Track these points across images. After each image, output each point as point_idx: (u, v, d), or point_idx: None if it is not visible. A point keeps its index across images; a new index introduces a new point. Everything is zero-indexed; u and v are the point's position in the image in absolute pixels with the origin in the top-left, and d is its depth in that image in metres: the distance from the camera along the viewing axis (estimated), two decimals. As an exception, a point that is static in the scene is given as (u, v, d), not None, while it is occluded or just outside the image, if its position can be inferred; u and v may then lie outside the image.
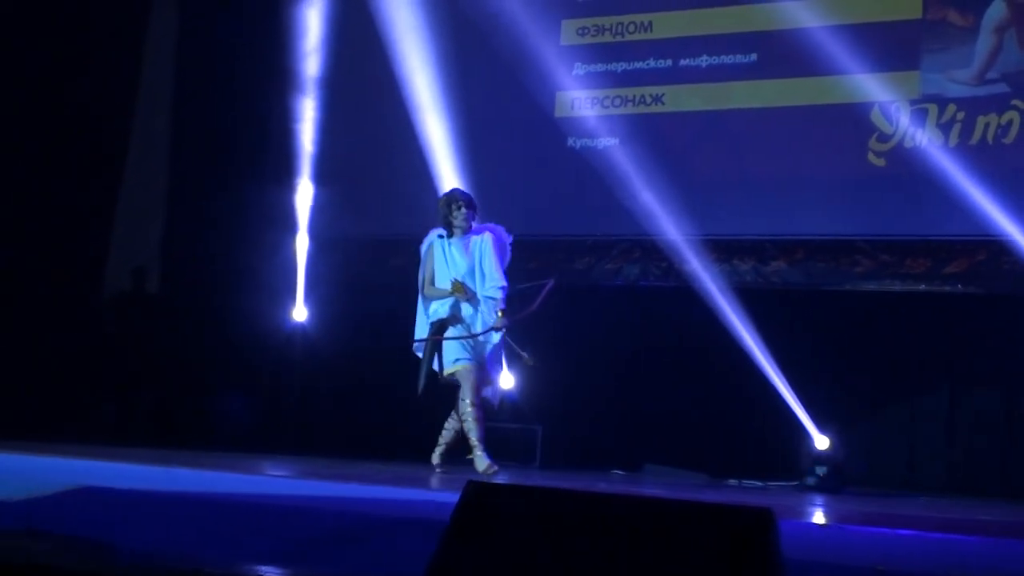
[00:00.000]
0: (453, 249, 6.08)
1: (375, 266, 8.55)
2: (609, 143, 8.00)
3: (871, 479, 7.30)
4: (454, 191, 6.31)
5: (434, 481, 5.75)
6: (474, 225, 6.16)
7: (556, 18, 8.29)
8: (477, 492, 2.34)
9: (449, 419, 6.25)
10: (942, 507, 6.07)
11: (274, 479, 5.44)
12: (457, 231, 6.10)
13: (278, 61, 8.66)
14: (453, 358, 6.04)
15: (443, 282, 6.09)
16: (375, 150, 8.47)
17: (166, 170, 9.26)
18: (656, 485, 6.37)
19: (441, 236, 6.14)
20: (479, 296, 6.08)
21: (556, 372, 8.26)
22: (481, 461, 5.97)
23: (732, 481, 7.33)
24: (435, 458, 6.24)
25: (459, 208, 6.08)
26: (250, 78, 8.79)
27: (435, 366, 6.13)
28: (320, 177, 8.72)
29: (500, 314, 6.04)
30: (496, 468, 5.99)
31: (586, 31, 8.30)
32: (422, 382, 6.12)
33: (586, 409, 8.27)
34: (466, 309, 6.09)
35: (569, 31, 8.33)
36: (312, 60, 8.61)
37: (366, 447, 7.81)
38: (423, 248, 6.23)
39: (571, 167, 8.10)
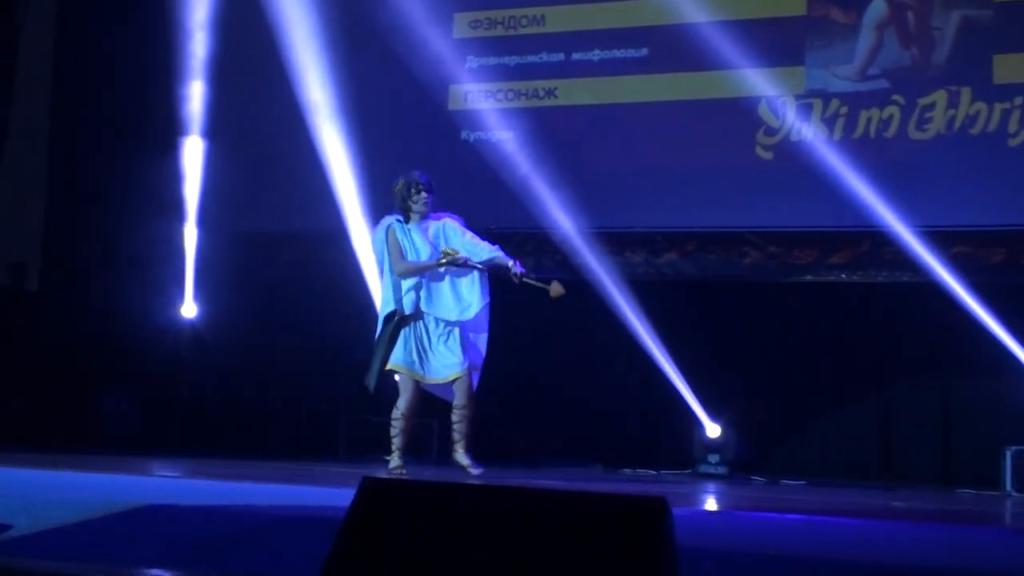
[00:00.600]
0: (414, 234, 5.79)
1: (267, 262, 8.43)
2: (503, 136, 8.02)
3: (761, 466, 7.47)
4: (412, 174, 5.93)
5: (330, 478, 5.69)
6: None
7: (449, 11, 8.26)
8: (373, 488, 2.32)
9: (452, 414, 5.95)
10: (827, 492, 6.24)
11: (164, 480, 5.32)
12: (415, 216, 5.83)
13: (165, 53, 8.45)
14: (451, 362, 5.77)
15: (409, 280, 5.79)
16: (266, 143, 8.33)
17: (46, 161, 8.95)
18: (552, 476, 6.41)
19: (399, 221, 5.84)
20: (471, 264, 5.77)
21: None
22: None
23: (627, 470, 7.43)
24: (463, 458, 5.92)
25: (419, 192, 5.81)
26: (135, 71, 8.56)
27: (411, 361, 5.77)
28: (210, 170, 8.54)
29: (517, 277, 5.78)
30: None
31: (479, 24, 8.30)
32: (375, 378, 5.83)
33: (480, 401, 8.28)
34: (442, 299, 5.76)
35: (462, 24, 8.32)
36: (199, 49, 8.41)
37: (260, 446, 7.71)
38: (379, 234, 5.87)
39: (465, 160, 8.09)
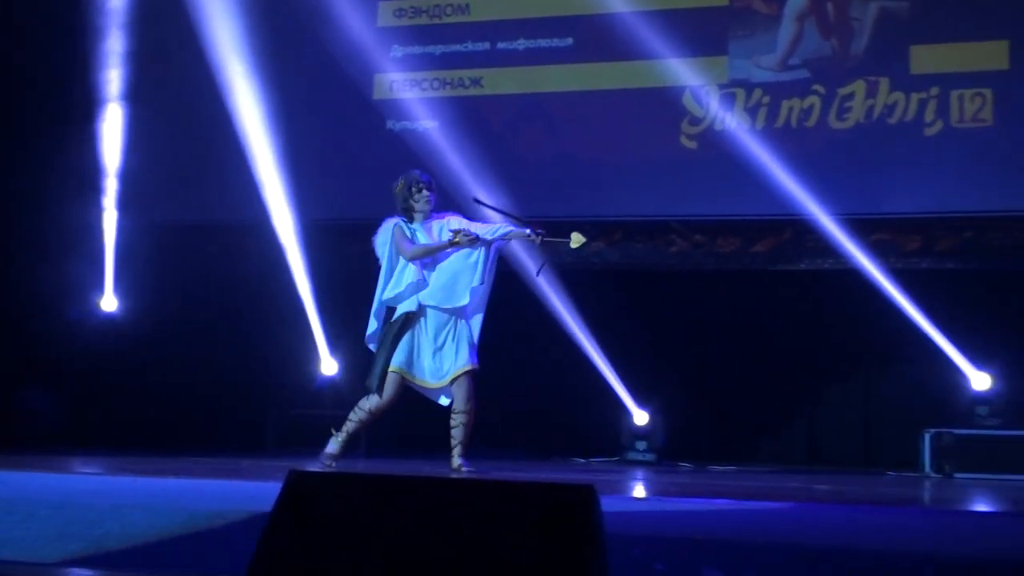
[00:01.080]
0: (419, 234, 5.62)
1: (190, 252, 8.30)
2: (429, 126, 7.99)
3: (688, 453, 7.54)
4: (412, 173, 5.76)
5: (256, 472, 5.62)
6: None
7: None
8: (300, 481, 2.29)
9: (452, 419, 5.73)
10: (753, 477, 6.32)
11: (84, 477, 5.21)
12: (419, 216, 5.65)
13: (83, 40, 8.25)
14: (449, 365, 5.58)
15: (411, 269, 5.58)
16: (187, 133, 8.19)
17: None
18: (481, 467, 6.40)
19: (404, 221, 5.65)
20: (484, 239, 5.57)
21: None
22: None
23: (555, 459, 7.45)
24: (455, 461, 5.69)
25: (420, 190, 5.63)
26: (51, 62, 8.35)
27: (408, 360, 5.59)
28: (131, 160, 8.36)
29: (537, 238, 5.55)
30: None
31: (403, 13, 8.25)
32: (376, 380, 5.62)
33: (409, 394, 8.25)
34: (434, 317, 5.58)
35: (386, 13, 8.26)
36: (116, 38, 8.23)
37: (185, 441, 7.59)
38: (383, 234, 5.68)
39: (391, 150, 8.04)
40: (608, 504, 2.29)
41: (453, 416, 5.66)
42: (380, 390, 5.62)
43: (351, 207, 8.08)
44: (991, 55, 7.22)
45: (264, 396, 8.13)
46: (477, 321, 5.69)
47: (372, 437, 7.95)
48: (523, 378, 7.81)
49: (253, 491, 4.13)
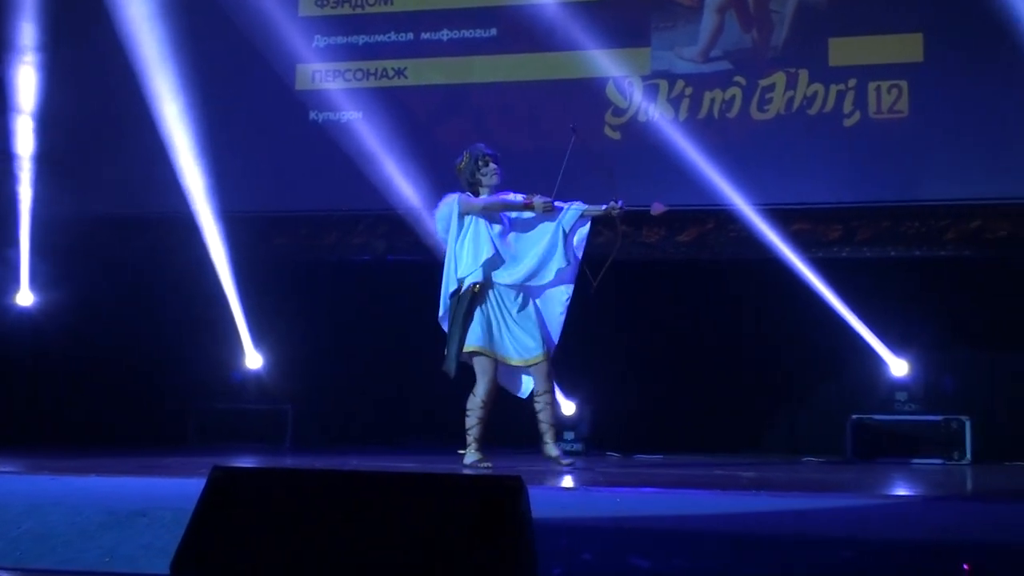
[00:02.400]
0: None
1: (109, 246, 8.13)
2: (352, 116, 7.92)
3: (615, 442, 7.59)
4: (477, 146, 5.59)
5: (179, 468, 5.53)
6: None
7: (294, -12, 8.11)
8: (223, 477, 2.26)
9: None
10: (679, 465, 6.39)
11: (1, 476, 5.08)
12: (485, 191, 5.47)
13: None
14: (529, 345, 5.39)
15: (484, 245, 5.39)
16: (103, 123, 8.01)
17: None
18: (412, 460, 6.38)
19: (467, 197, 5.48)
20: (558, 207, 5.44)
21: (305, 350, 8.15)
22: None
23: (484, 450, 7.42)
24: (552, 450, 5.56)
25: (487, 163, 5.48)
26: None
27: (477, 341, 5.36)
28: (45, 152, 8.15)
29: (619, 211, 5.44)
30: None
31: (325, 2, 8.16)
32: (454, 362, 5.41)
33: (338, 386, 8.21)
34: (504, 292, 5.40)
35: (308, 2, 8.17)
36: (29, 27, 8.01)
37: (107, 437, 7.46)
38: (445, 209, 5.51)
39: (314, 141, 7.96)
40: (536, 495, 2.30)
41: (536, 400, 5.50)
42: (478, 374, 5.40)
43: (274, 199, 8.00)
44: (906, 47, 7.37)
45: (187, 391, 8.01)
46: (561, 302, 5.52)
47: (298, 431, 7.89)
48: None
49: (176, 488, 4.07)
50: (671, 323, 7.90)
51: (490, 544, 2.07)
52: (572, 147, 5.67)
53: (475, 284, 5.40)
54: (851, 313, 7.27)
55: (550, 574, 2.67)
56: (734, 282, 7.74)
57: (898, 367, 7.33)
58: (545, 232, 5.56)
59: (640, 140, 7.57)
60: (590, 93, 7.66)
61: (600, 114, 7.69)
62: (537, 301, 5.53)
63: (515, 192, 5.64)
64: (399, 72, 8.01)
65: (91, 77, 8.05)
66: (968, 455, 6.93)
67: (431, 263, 7.57)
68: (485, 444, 5.56)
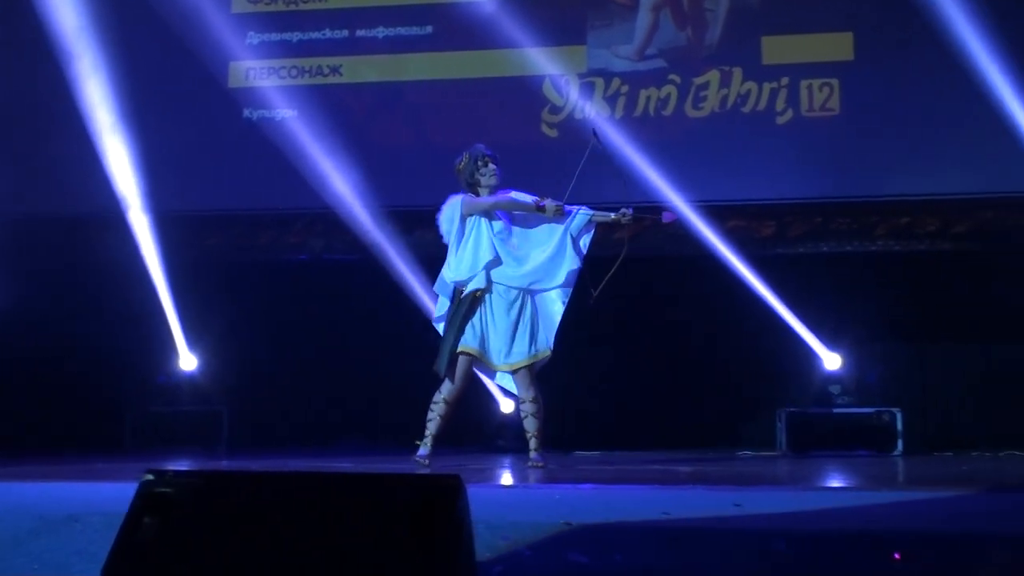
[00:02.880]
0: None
1: (39, 248, 7.98)
2: (287, 114, 7.85)
3: (553, 439, 7.59)
4: (477, 146, 5.59)
5: (111, 472, 5.44)
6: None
7: (227, -16, 8.01)
8: (155, 481, 2.22)
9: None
10: (616, 461, 6.43)
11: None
12: (484, 191, 5.48)
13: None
14: (518, 349, 5.39)
15: (485, 249, 5.39)
16: (28, 121, 7.84)
17: None
18: (349, 460, 6.35)
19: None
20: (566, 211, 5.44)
21: (241, 351, 8.07)
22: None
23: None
24: (531, 454, 5.51)
25: (486, 163, 5.49)
26: None
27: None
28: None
29: (627, 217, 5.43)
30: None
31: (259, -1, 8.07)
32: (444, 362, 5.39)
33: (274, 387, 8.13)
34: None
35: (241, -2, 8.08)
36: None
37: (37, 442, 7.32)
38: (449, 210, 5.49)
39: (248, 139, 7.88)
40: (475, 493, 2.29)
41: (520, 407, 5.50)
42: (449, 374, 5.39)
43: (207, 198, 7.90)
44: (837, 46, 7.48)
45: (121, 393, 7.88)
46: (560, 303, 5.51)
47: (234, 433, 7.81)
48: (389, 370, 7.75)
49: (108, 492, 4.00)
50: (606, 319, 7.93)
51: (428, 543, 2.07)
52: (591, 151, 5.66)
53: (477, 290, 5.41)
54: (785, 308, 7.37)
55: (491, 571, 2.67)
56: (670, 279, 7.80)
57: (831, 361, 7.45)
58: (552, 235, 5.55)
59: (577, 138, 7.57)
60: (526, 91, 7.67)
61: (537, 112, 7.71)
62: (536, 300, 5.54)
63: (514, 190, 5.61)
64: (334, 70, 7.95)
65: (16, 73, 7.88)
66: (899, 446, 7.06)
67: (369, 262, 7.56)
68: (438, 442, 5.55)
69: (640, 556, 2.70)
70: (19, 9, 7.74)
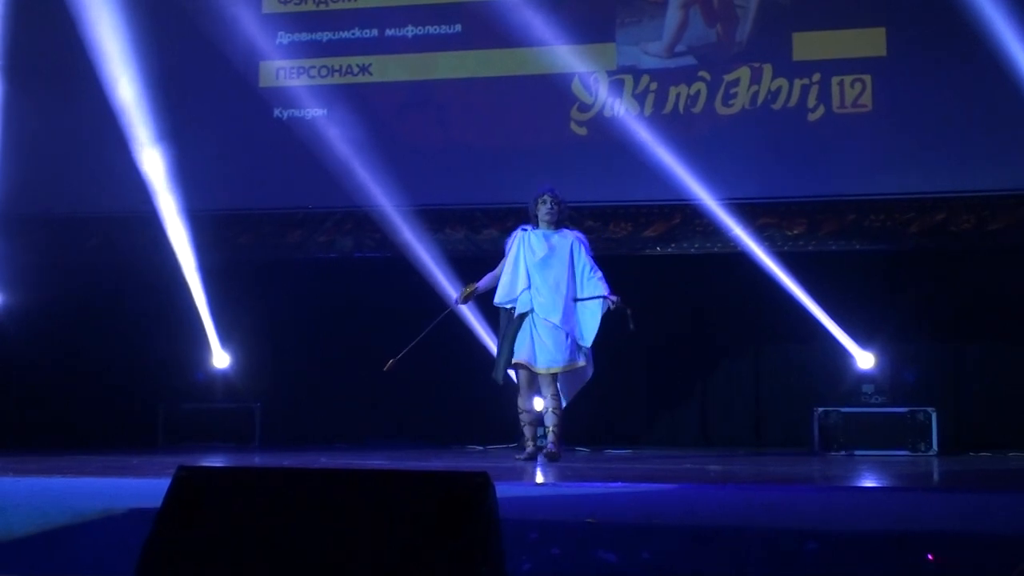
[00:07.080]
0: (532, 237, 6.21)
1: (72, 247, 8.06)
2: (317, 113, 7.88)
3: (584, 437, 7.59)
4: (542, 186, 6.37)
5: (145, 468, 5.49)
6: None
7: (257, -15, 8.05)
8: (189, 477, 2.24)
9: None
10: (647, 459, 6.41)
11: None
12: (542, 224, 6.24)
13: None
14: (554, 358, 6.09)
15: (520, 278, 6.17)
16: (66, 122, 7.92)
17: None
18: (380, 456, 6.37)
19: (524, 229, 6.28)
20: (579, 294, 6.15)
21: (272, 348, 8.12)
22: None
23: (453, 447, 7.44)
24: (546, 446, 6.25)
25: (544, 203, 6.22)
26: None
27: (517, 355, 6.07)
28: (6, 151, 8.04)
29: (614, 303, 6.11)
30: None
31: (289, -1, 8.11)
32: (502, 372, 6.19)
33: (305, 384, 8.17)
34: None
35: (272, -1, 8.12)
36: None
37: (73, 439, 7.39)
38: (509, 241, 6.31)
39: (279, 138, 7.92)
40: (504, 490, 2.30)
41: (546, 403, 6.19)
42: (505, 378, 6.23)
43: (239, 197, 7.94)
44: (869, 42, 7.42)
45: (155, 391, 7.95)
46: (588, 326, 6.14)
47: (266, 429, 7.85)
48: (419, 368, 7.75)
49: (142, 488, 4.04)
50: (637, 317, 7.90)
51: (458, 540, 2.07)
52: (626, 325, 6.14)
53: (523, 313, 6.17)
54: (817, 306, 7.32)
55: (520, 569, 2.67)
56: (700, 277, 7.77)
57: (864, 359, 7.39)
58: (571, 270, 6.24)
59: (606, 135, 7.58)
60: (556, 89, 7.66)
61: (566, 110, 7.69)
62: (578, 313, 6.21)
63: (576, 232, 6.29)
64: (364, 69, 7.97)
65: (52, 77, 7.96)
66: (934, 446, 7.00)
67: (398, 260, 7.58)
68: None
69: (668, 555, 2.69)
70: (54, 14, 7.79)
